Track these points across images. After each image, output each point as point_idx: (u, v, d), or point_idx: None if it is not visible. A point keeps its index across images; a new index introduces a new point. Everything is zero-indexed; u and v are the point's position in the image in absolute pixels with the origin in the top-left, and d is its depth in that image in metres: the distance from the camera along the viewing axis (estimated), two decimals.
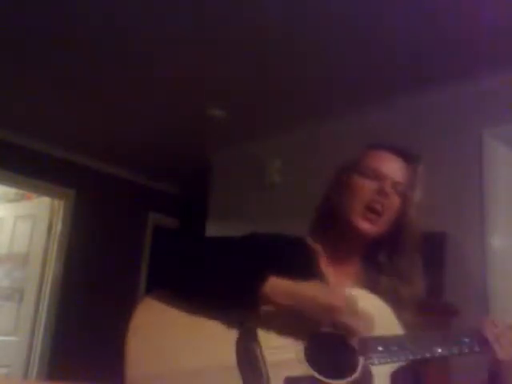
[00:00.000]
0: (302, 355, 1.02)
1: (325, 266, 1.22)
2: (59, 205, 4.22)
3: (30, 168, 3.98)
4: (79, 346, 3.94)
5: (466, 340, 1.07)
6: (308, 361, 1.01)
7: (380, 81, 2.86)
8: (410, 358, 1.04)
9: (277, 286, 1.02)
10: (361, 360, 1.02)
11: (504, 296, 2.48)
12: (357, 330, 1.00)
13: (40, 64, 2.97)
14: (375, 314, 1.05)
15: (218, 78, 2.99)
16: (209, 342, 1.03)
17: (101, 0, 2.38)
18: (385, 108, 3.05)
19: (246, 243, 1.21)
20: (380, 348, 1.03)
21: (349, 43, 2.56)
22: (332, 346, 1.03)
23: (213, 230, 3.81)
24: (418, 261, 1.20)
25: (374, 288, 1.15)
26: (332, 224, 1.24)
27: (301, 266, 1.15)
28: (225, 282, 1.05)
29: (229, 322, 1.03)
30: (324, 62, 2.75)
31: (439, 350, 1.05)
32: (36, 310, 4.02)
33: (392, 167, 1.20)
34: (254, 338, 1.02)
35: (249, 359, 1.00)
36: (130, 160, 4.37)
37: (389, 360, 1.03)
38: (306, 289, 1.03)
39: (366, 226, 1.16)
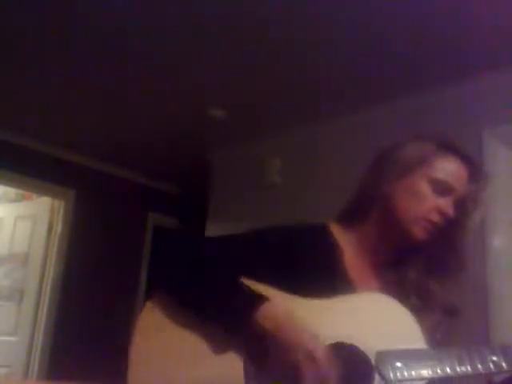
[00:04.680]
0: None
1: (350, 260, 1.14)
2: (59, 205, 4.21)
3: (30, 168, 3.97)
4: (79, 346, 3.94)
5: (494, 358, 0.98)
6: None
7: (380, 81, 2.85)
8: (431, 375, 0.96)
9: (269, 312, 0.97)
10: (376, 376, 0.96)
11: (504, 296, 2.48)
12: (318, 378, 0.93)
13: (40, 64, 2.96)
14: (396, 325, 1.00)
15: (218, 78, 2.99)
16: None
17: (101, 0, 2.38)
18: (385, 108, 3.05)
19: (259, 239, 1.13)
20: (398, 364, 0.96)
21: (349, 43, 2.56)
22: (346, 358, 0.97)
23: (213, 230, 3.81)
24: (455, 264, 1.15)
25: (399, 282, 1.10)
26: (373, 216, 1.16)
27: (322, 263, 1.09)
28: (220, 301, 1.02)
29: (217, 348, 0.99)
30: (324, 61, 2.75)
31: (463, 368, 0.97)
32: (36, 310, 4.02)
33: (460, 179, 1.13)
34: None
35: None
36: (130, 160, 4.37)
37: (407, 377, 0.95)
38: (293, 326, 0.96)
39: (418, 232, 1.11)
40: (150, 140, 3.94)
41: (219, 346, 0.99)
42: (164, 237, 4.66)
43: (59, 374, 3.78)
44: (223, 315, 1.01)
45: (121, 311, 4.23)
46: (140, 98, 3.30)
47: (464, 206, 1.12)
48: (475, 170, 1.15)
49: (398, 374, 0.95)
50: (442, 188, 1.12)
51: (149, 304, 1.07)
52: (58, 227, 4.17)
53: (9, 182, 4.15)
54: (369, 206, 1.17)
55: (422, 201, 1.11)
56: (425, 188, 1.12)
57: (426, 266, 1.14)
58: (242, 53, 2.73)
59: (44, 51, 2.82)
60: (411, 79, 2.80)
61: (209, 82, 3.04)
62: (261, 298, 0.99)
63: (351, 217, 1.20)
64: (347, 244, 1.16)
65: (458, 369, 0.97)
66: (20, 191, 4.53)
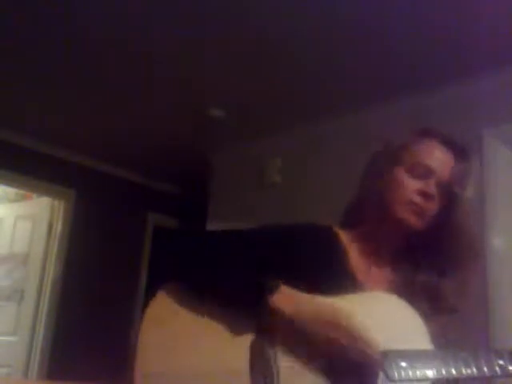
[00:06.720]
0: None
1: (355, 261, 1.15)
2: (59, 205, 4.22)
3: (30, 168, 3.98)
4: (79, 346, 3.94)
5: (501, 362, 0.95)
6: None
7: (379, 81, 2.86)
8: (436, 376, 0.94)
9: (285, 296, 0.99)
10: (380, 375, 0.95)
11: (503, 296, 2.48)
12: (352, 352, 0.94)
13: (40, 64, 2.97)
14: (404, 324, 1.00)
15: (218, 78, 3.00)
16: (220, 343, 1.02)
17: (101, 0, 2.38)
18: (385, 108, 3.05)
19: (270, 236, 1.15)
20: (403, 363, 0.94)
21: (348, 43, 2.56)
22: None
23: (213, 230, 3.81)
24: (469, 266, 1.13)
25: (405, 284, 1.11)
26: (369, 216, 1.17)
27: (328, 263, 1.10)
28: (233, 289, 1.04)
29: (235, 330, 1.01)
30: (324, 62, 2.75)
31: (468, 370, 0.95)
32: (36, 310, 4.02)
33: (441, 162, 1.13)
34: (272, 345, 0.98)
35: (263, 366, 0.97)
36: (129, 160, 4.37)
37: (411, 376, 0.93)
38: (311, 301, 0.99)
39: (407, 217, 1.11)
40: (150, 140, 3.94)
41: (236, 328, 1.01)
42: (164, 237, 4.66)
43: (59, 374, 3.78)
44: (239, 299, 1.02)
45: (121, 311, 4.24)
46: (140, 97, 3.30)
47: (450, 187, 1.13)
48: (459, 153, 1.16)
49: (403, 374, 0.93)
50: (421, 171, 1.12)
51: (161, 292, 1.07)
52: (58, 227, 4.18)
53: (9, 182, 4.15)
54: (364, 205, 1.19)
55: (403, 187, 1.12)
56: (403, 175, 1.13)
57: (431, 263, 1.13)
58: (241, 53, 2.73)
59: (44, 51, 2.82)
60: (411, 79, 2.80)
61: (209, 82, 3.04)
62: (276, 284, 1.01)
63: (352, 218, 1.21)
64: (351, 245, 1.17)
65: (463, 371, 0.95)
66: (20, 191, 4.53)
